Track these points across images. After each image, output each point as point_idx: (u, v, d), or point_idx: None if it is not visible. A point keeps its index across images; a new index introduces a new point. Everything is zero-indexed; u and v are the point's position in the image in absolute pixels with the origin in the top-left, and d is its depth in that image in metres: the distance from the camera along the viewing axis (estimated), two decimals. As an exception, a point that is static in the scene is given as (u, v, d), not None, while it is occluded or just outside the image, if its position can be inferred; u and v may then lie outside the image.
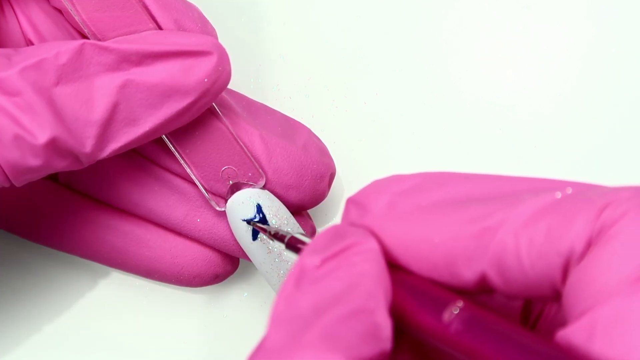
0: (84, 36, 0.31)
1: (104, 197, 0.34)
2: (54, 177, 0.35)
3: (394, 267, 0.23)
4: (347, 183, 0.38)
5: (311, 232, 0.35)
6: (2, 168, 0.28)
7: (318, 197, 0.34)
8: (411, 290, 0.22)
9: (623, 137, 0.38)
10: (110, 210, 0.34)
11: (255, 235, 0.32)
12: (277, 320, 0.21)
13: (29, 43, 0.32)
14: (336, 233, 0.23)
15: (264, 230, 0.31)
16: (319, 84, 0.39)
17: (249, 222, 0.32)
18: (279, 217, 0.32)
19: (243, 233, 0.32)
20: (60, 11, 0.32)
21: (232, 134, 0.32)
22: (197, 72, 0.29)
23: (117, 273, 0.38)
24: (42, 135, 0.27)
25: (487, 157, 0.38)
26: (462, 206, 0.22)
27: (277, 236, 0.30)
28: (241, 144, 0.32)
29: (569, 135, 0.38)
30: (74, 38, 0.32)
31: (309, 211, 0.36)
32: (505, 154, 0.38)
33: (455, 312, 0.21)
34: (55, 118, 0.28)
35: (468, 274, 0.22)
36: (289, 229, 0.32)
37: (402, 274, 0.23)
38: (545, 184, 0.22)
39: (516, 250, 0.21)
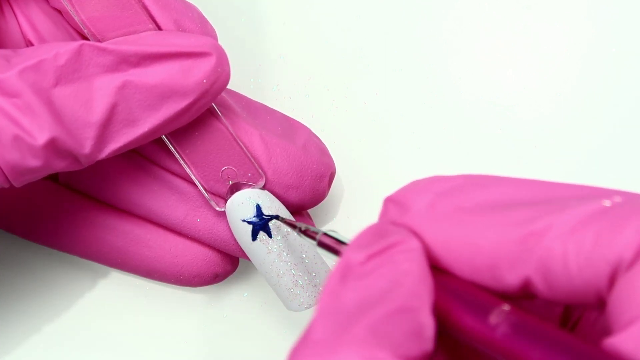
0: (83, 37, 0.31)
1: (104, 197, 0.34)
2: (54, 177, 0.35)
3: (435, 268, 0.23)
4: (347, 183, 0.38)
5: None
6: (1, 169, 0.28)
7: (318, 197, 0.34)
8: (454, 291, 0.22)
9: (623, 137, 0.38)
10: (110, 210, 0.34)
11: (255, 236, 0.32)
12: (322, 313, 0.21)
13: (29, 43, 0.32)
14: (379, 231, 0.23)
15: (294, 227, 0.31)
16: (319, 84, 0.39)
17: (277, 218, 0.32)
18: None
19: (243, 233, 0.32)
20: (59, 12, 0.32)
21: (231, 134, 0.32)
22: (196, 73, 0.29)
23: (116, 273, 0.38)
24: (41, 136, 0.27)
25: (487, 157, 0.38)
26: (506, 209, 0.22)
27: (307, 233, 0.30)
28: (241, 144, 0.32)
29: (569, 135, 0.38)
30: (73, 38, 0.32)
31: (309, 211, 0.36)
32: (505, 154, 0.38)
33: (502, 316, 0.21)
34: (54, 119, 0.28)
35: (511, 278, 0.21)
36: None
37: (444, 276, 0.22)
38: (588, 191, 0.22)
39: (563, 256, 0.21)
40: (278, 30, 0.39)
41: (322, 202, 0.37)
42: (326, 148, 0.35)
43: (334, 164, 0.35)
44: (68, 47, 0.28)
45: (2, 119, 0.27)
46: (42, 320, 0.37)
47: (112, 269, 0.37)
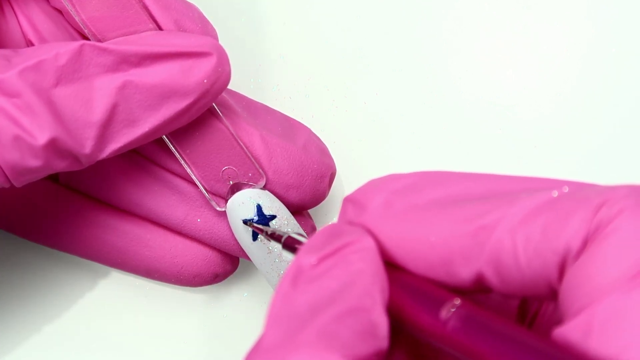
0: (84, 37, 0.31)
1: (104, 197, 0.34)
2: (54, 178, 0.35)
3: (391, 266, 0.23)
4: (348, 183, 0.38)
5: (311, 231, 0.35)
6: (2, 169, 0.28)
7: (318, 197, 0.34)
8: (408, 288, 0.22)
9: (623, 137, 0.38)
10: (110, 210, 0.34)
11: (255, 236, 0.32)
12: (273, 318, 0.21)
13: (29, 43, 0.32)
14: (333, 232, 0.23)
15: (261, 231, 0.31)
16: (319, 84, 0.39)
17: (246, 222, 0.32)
18: (280, 217, 0.32)
19: (243, 233, 0.32)
20: (60, 12, 0.32)
21: (232, 134, 0.32)
22: (196, 73, 0.29)
23: (117, 273, 0.38)
24: (41, 136, 0.27)
25: (487, 157, 0.38)
26: (458, 205, 0.22)
27: (274, 236, 0.30)
28: (241, 144, 0.32)
29: (569, 135, 0.38)
30: (74, 38, 0.32)
31: (309, 211, 0.36)
32: (505, 154, 0.38)
33: (453, 310, 0.21)
34: (54, 119, 0.28)
35: (464, 272, 0.22)
36: (288, 229, 0.32)
37: (399, 273, 0.23)
38: (542, 184, 0.22)
39: (513, 248, 0.21)
40: (278, 30, 0.39)
41: (323, 202, 0.37)
42: (326, 148, 0.35)
43: (334, 164, 0.35)
44: (69, 47, 0.28)
45: (3, 119, 0.27)
46: (42, 320, 0.37)
47: (112, 269, 0.37)
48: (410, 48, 0.39)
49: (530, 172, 0.38)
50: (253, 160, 0.32)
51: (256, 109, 0.35)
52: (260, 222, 0.32)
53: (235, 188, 0.32)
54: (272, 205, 0.32)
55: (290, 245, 0.29)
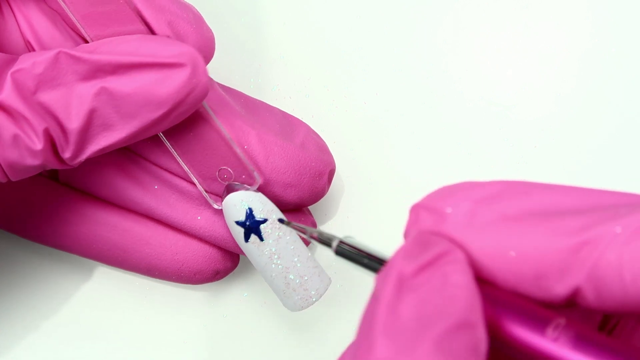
0: (81, 36, 0.31)
1: (104, 196, 0.34)
2: (54, 177, 0.35)
3: (478, 279, 0.22)
4: (348, 183, 0.38)
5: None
6: (0, 166, 0.28)
7: (317, 194, 0.34)
8: (501, 304, 0.22)
9: (623, 137, 0.38)
10: (110, 208, 0.34)
11: (247, 238, 0.32)
12: (384, 329, 0.20)
13: (28, 44, 0.32)
14: (422, 241, 0.22)
15: (304, 231, 0.29)
16: (319, 84, 0.39)
17: (282, 221, 0.32)
18: (271, 220, 0.32)
19: (237, 234, 0.32)
20: (58, 12, 0.32)
21: (225, 137, 0.32)
22: (169, 84, 0.29)
23: (117, 272, 0.38)
24: (38, 138, 0.28)
25: (487, 157, 0.38)
26: (553, 217, 0.21)
27: (322, 240, 0.27)
28: (235, 147, 0.32)
29: (569, 135, 0.38)
30: (72, 38, 0.32)
31: (310, 207, 0.36)
32: (505, 154, 0.38)
33: (559, 329, 0.20)
34: (45, 121, 0.28)
35: (560, 288, 0.21)
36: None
37: (485, 287, 0.22)
38: (637, 199, 0.22)
39: (618, 265, 0.20)
40: (278, 30, 0.39)
41: (323, 201, 0.37)
42: (325, 145, 0.35)
43: (333, 161, 0.35)
44: (45, 56, 0.28)
45: (2, 117, 0.28)
46: (41, 319, 0.37)
47: (113, 268, 0.37)
48: (410, 48, 0.39)
49: (530, 172, 0.38)
50: (247, 163, 0.32)
51: (255, 106, 0.35)
52: (251, 226, 0.32)
53: (230, 189, 0.32)
54: (264, 208, 0.32)
55: (343, 253, 0.26)
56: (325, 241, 0.26)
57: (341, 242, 0.26)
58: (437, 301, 0.20)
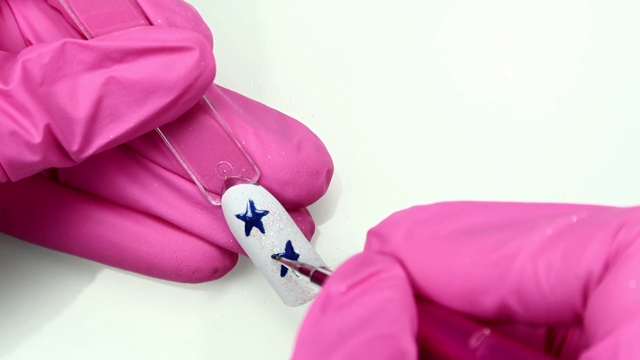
0: (81, 35, 0.31)
1: (104, 194, 0.34)
2: (53, 177, 0.35)
3: (417, 296, 0.23)
4: (347, 183, 0.38)
5: (310, 228, 0.35)
6: (0, 165, 0.28)
7: (315, 193, 0.34)
8: (435, 318, 0.22)
9: (623, 137, 0.38)
10: (108, 207, 0.34)
11: (248, 231, 0.32)
12: (301, 344, 0.21)
13: (28, 42, 0.32)
14: (362, 260, 0.23)
15: (291, 265, 0.32)
16: (319, 84, 0.39)
17: (274, 257, 0.33)
18: (272, 212, 0.32)
19: (237, 228, 0.32)
20: (58, 10, 0.32)
21: (225, 129, 0.32)
22: (178, 68, 0.29)
23: (116, 273, 0.38)
24: (37, 132, 0.28)
25: (487, 157, 0.38)
26: (478, 235, 0.22)
27: (303, 270, 0.31)
28: (235, 139, 0.32)
29: (569, 135, 0.38)
30: (72, 36, 0.32)
31: (308, 208, 0.36)
32: (505, 154, 0.38)
33: (481, 340, 0.21)
34: (47, 116, 0.28)
35: (487, 302, 0.22)
36: (315, 264, 0.32)
37: (425, 303, 0.23)
38: (561, 209, 0.22)
39: (535, 275, 0.21)
40: (278, 30, 0.39)
41: (322, 201, 0.37)
42: (323, 145, 0.35)
43: (331, 160, 0.35)
44: (51, 46, 0.28)
45: (0, 115, 0.28)
46: (41, 320, 0.38)
47: (113, 268, 0.38)
48: (410, 48, 0.39)
49: (530, 172, 0.38)
50: (247, 156, 0.32)
51: (252, 106, 0.35)
52: (253, 218, 0.32)
53: (229, 183, 0.32)
54: (264, 200, 0.32)
55: (318, 278, 0.29)
56: (306, 271, 0.30)
57: (316, 271, 0.29)
58: (363, 315, 0.21)
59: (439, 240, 0.23)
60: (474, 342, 0.21)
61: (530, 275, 0.21)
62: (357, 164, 0.38)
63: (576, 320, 0.21)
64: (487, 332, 0.21)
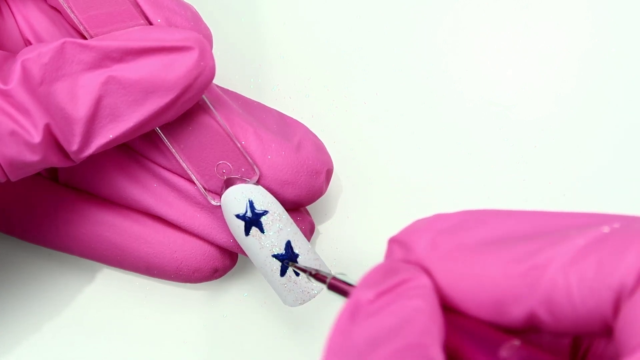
0: (81, 35, 0.31)
1: (104, 194, 0.34)
2: (53, 177, 0.35)
3: (443, 306, 0.23)
4: (347, 183, 0.38)
5: (310, 228, 0.35)
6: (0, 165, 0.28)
7: (315, 193, 0.34)
8: (462, 328, 0.22)
9: (623, 137, 0.38)
10: (108, 207, 0.34)
11: (247, 231, 0.32)
12: (332, 351, 0.21)
13: (27, 42, 0.32)
14: (388, 269, 0.23)
15: (305, 271, 0.32)
16: (319, 84, 0.39)
17: (282, 260, 0.32)
18: (272, 212, 0.32)
19: (236, 228, 0.32)
20: (58, 10, 0.32)
21: (224, 129, 0.32)
22: (178, 68, 0.29)
23: (117, 272, 0.38)
24: (37, 131, 0.28)
25: (487, 157, 0.38)
26: (507, 244, 0.22)
27: (318, 277, 0.30)
28: (234, 139, 0.32)
29: (569, 135, 0.38)
30: (71, 36, 0.32)
31: (308, 208, 0.36)
32: (505, 154, 0.38)
33: (512, 351, 0.21)
34: (47, 115, 0.28)
35: (516, 312, 0.22)
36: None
37: (451, 312, 0.23)
38: (590, 219, 0.22)
39: (566, 286, 0.21)
40: (278, 30, 0.39)
41: (322, 201, 0.37)
42: (323, 145, 0.35)
43: (331, 160, 0.35)
44: (51, 46, 0.28)
45: (0, 114, 0.28)
46: (42, 320, 0.38)
47: (113, 268, 0.38)
48: (410, 48, 0.39)
49: (530, 172, 0.38)
50: (246, 155, 0.32)
51: (252, 106, 0.35)
52: (252, 218, 0.32)
53: (229, 183, 0.32)
54: (264, 200, 0.32)
55: (335, 285, 0.28)
56: (322, 278, 0.29)
57: (334, 278, 0.28)
58: (392, 324, 0.21)
59: (465, 250, 0.23)
60: (504, 352, 0.21)
61: (562, 286, 0.21)
62: (357, 164, 0.38)
63: (606, 331, 0.21)
64: (517, 342, 0.21)
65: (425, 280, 0.23)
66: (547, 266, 0.21)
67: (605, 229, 0.21)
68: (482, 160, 0.38)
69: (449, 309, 0.23)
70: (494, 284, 0.22)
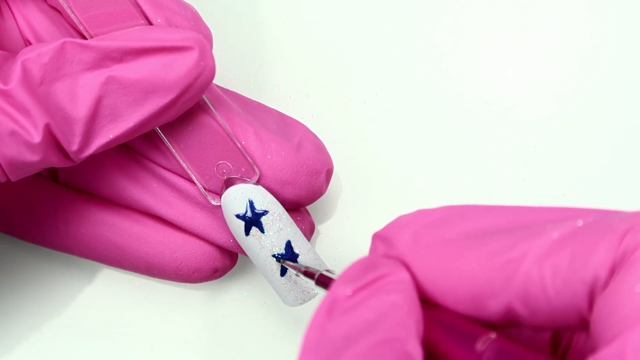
0: (81, 35, 0.31)
1: (104, 194, 0.34)
2: (53, 177, 0.35)
3: (423, 300, 0.23)
4: (347, 183, 0.38)
5: (310, 228, 0.35)
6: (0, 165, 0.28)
7: (315, 193, 0.34)
8: (441, 322, 0.22)
9: (623, 137, 0.38)
10: (108, 207, 0.34)
11: (247, 231, 0.32)
12: (308, 348, 0.21)
13: (27, 42, 0.32)
14: (368, 264, 0.23)
15: (295, 268, 0.32)
16: (319, 84, 0.39)
17: (277, 259, 0.32)
18: (272, 212, 0.32)
19: (236, 228, 0.32)
20: (58, 10, 0.32)
21: (224, 129, 0.32)
22: (178, 68, 0.29)
23: (117, 272, 0.38)
24: (37, 131, 0.28)
25: (487, 157, 0.38)
26: (485, 238, 0.22)
27: (307, 273, 0.31)
28: (234, 139, 0.32)
29: (569, 135, 0.38)
30: (71, 36, 0.32)
31: (308, 208, 0.36)
32: (505, 154, 0.38)
33: (487, 344, 0.21)
34: (47, 115, 0.28)
35: (493, 306, 0.22)
36: (320, 268, 0.32)
37: (431, 306, 0.23)
38: (566, 214, 0.22)
39: (540, 280, 0.21)
40: (278, 30, 0.39)
41: (322, 201, 0.37)
42: (323, 145, 0.35)
43: (331, 160, 0.35)
44: (51, 46, 0.28)
45: (0, 114, 0.28)
46: (42, 320, 0.38)
47: (113, 268, 0.38)
48: (410, 48, 0.39)
49: (530, 172, 0.38)
50: (246, 155, 0.32)
51: (252, 106, 0.35)
52: (253, 218, 0.32)
53: (229, 183, 0.32)
54: (264, 200, 0.32)
55: (323, 281, 0.29)
56: (310, 274, 0.30)
57: (321, 274, 0.28)
58: (369, 319, 0.21)
59: (445, 244, 0.23)
60: (480, 345, 0.21)
61: (536, 279, 0.21)
62: (357, 164, 0.38)
63: (582, 324, 0.21)
64: (493, 335, 0.21)
65: (404, 275, 0.23)
66: (523, 259, 0.21)
67: (580, 223, 0.21)
68: (482, 160, 0.38)
69: (429, 303, 0.23)
70: (472, 278, 0.22)
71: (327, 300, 0.22)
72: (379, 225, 0.37)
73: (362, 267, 0.23)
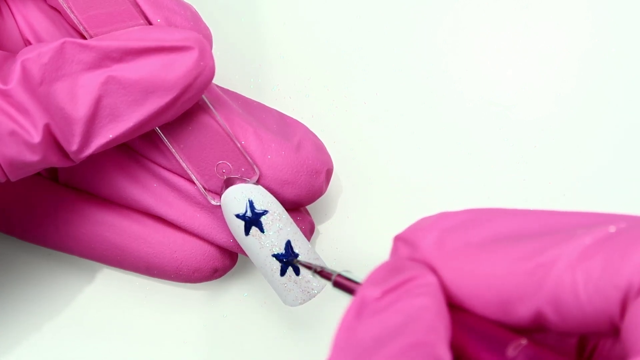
0: (81, 35, 0.31)
1: (104, 194, 0.34)
2: (53, 177, 0.35)
3: (449, 304, 0.23)
4: (347, 183, 0.38)
5: (310, 228, 0.35)
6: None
7: (315, 193, 0.34)
8: (469, 326, 0.22)
9: (623, 137, 0.38)
10: (108, 207, 0.34)
11: (247, 231, 0.32)
12: (338, 348, 0.21)
13: (27, 43, 0.32)
14: (394, 266, 0.23)
15: (310, 267, 0.31)
16: (319, 84, 0.39)
17: (285, 259, 0.32)
18: (271, 212, 0.32)
19: (236, 228, 0.32)
20: (58, 10, 0.32)
21: (224, 129, 0.32)
22: (178, 67, 0.29)
23: (117, 272, 0.38)
24: (37, 131, 0.28)
25: (487, 157, 0.38)
26: (513, 242, 0.22)
27: (323, 274, 0.30)
28: (234, 139, 0.32)
29: (569, 135, 0.38)
30: (71, 36, 0.32)
31: (308, 208, 0.36)
32: (505, 154, 0.38)
33: (518, 350, 0.21)
34: (46, 115, 0.28)
35: (523, 311, 0.22)
36: (337, 269, 0.32)
37: (458, 311, 0.23)
38: (596, 218, 0.22)
39: (573, 285, 0.21)
40: (278, 30, 0.39)
41: (322, 201, 0.37)
42: (323, 145, 0.35)
43: (331, 160, 0.35)
44: (51, 46, 0.28)
45: (0, 114, 0.28)
46: (42, 320, 0.38)
47: (113, 268, 0.37)
48: (410, 48, 0.39)
49: (530, 172, 0.38)
50: (246, 155, 0.32)
51: (252, 106, 0.35)
52: (252, 218, 0.32)
53: (229, 183, 0.32)
54: (264, 200, 0.32)
55: (341, 283, 0.28)
56: (327, 275, 0.29)
57: (339, 275, 0.28)
58: (399, 322, 0.21)
59: (472, 248, 0.23)
60: (511, 351, 0.21)
61: (568, 284, 0.21)
62: (357, 164, 0.38)
63: (612, 330, 0.21)
64: (524, 341, 0.21)
65: (431, 278, 0.23)
66: (554, 264, 0.21)
67: (612, 229, 0.21)
68: (482, 160, 0.38)
69: (456, 307, 0.23)
70: (500, 283, 0.22)
71: (357, 302, 0.22)
72: (379, 225, 0.38)
73: (389, 270, 0.23)
